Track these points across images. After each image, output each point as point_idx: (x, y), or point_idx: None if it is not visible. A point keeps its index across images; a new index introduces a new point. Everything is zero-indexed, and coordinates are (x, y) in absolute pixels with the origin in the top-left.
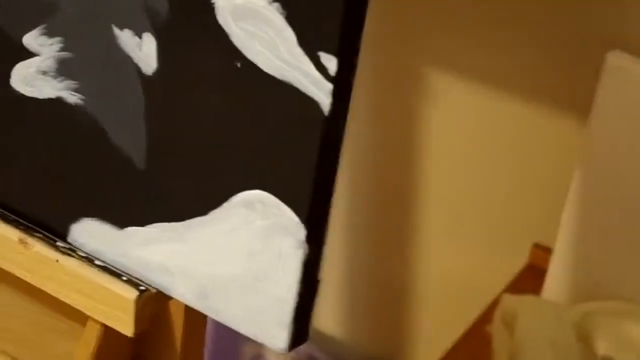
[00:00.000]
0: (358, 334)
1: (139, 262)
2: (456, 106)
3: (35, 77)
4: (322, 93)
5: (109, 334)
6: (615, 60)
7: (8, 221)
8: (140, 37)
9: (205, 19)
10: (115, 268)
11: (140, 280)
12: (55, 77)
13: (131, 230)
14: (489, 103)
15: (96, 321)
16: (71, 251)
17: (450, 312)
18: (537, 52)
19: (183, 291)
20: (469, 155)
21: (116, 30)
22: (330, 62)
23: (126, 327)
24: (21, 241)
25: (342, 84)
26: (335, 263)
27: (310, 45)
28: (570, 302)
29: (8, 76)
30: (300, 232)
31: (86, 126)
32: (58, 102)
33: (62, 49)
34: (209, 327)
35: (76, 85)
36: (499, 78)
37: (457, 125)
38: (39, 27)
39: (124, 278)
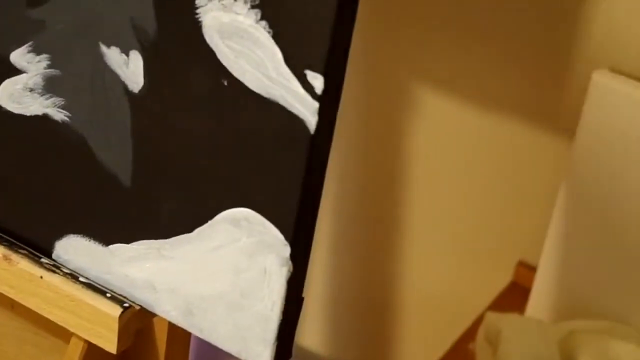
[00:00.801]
0: (342, 351)
1: (123, 279)
2: (443, 123)
3: (22, 94)
4: (308, 111)
5: (92, 350)
6: (602, 78)
7: None
8: (127, 54)
9: (192, 37)
10: (100, 285)
11: (125, 297)
12: (42, 94)
13: (116, 247)
14: (476, 120)
15: (80, 338)
16: (56, 268)
17: (433, 330)
18: (525, 70)
19: (168, 308)
20: (454, 172)
21: (103, 48)
22: (317, 81)
23: (110, 344)
24: (5, 257)
25: (328, 102)
26: (320, 280)
27: (296, 64)
28: (554, 320)
29: None
30: (285, 249)
31: (72, 143)
32: (45, 119)
33: (49, 66)
34: (192, 343)
35: (63, 103)
36: (487, 95)
37: (444, 141)
38: (27, 45)
39: (108, 295)
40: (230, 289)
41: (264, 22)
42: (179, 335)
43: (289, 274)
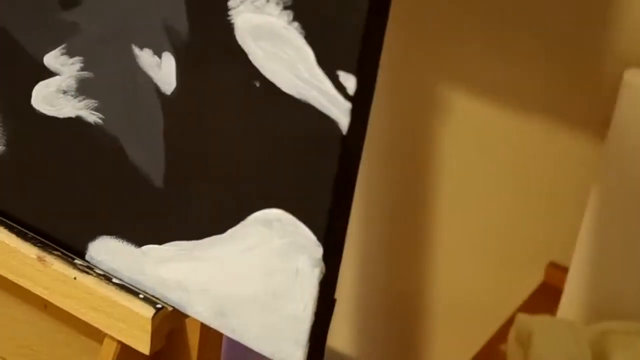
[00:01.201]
0: (371, 352)
1: (156, 280)
2: (472, 123)
3: (56, 97)
4: (340, 112)
5: (125, 351)
6: (633, 77)
7: (26, 239)
8: (159, 56)
9: (225, 39)
10: (133, 286)
11: (157, 298)
12: (75, 97)
13: (149, 248)
14: (506, 121)
15: (113, 338)
16: (89, 269)
17: (464, 331)
18: (555, 70)
19: (200, 309)
20: (484, 172)
21: (136, 50)
22: (349, 81)
23: (143, 345)
24: (39, 258)
25: (361, 103)
26: (349, 280)
27: (329, 65)
28: (586, 321)
29: (29, 95)
30: (317, 250)
31: (105, 145)
32: (77, 121)
33: (82, 69)
34: (223, 343)
35: (96, 105)
36: (516, 96)
37: (473, 141)
38: (60, 47)
39: (141, 296)
40: (262, 290)
41: (296, 24)
42: (211, 336)
43: (322, 274)
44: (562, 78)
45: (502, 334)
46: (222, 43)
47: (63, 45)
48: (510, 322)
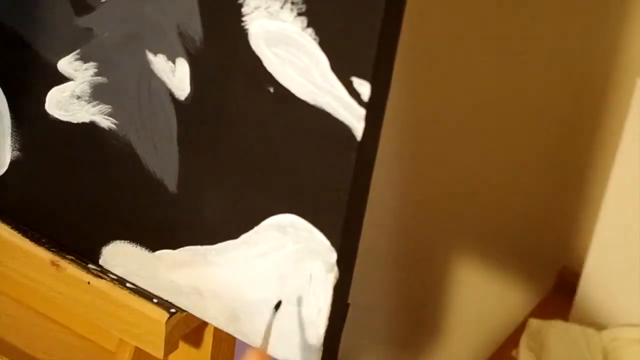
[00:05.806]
0: (380, 358)
1: (169, 284)
2: (486, 130)
3: (70, 102)
4: (354, 118)
5: (139, 355)
6: None
7: (40, 243)
8: (173, 62)
9: (239, 45)
10: (146, 290)
11: (171, 303)
12: (89, 102)
13: (162, 253)
14: (517, 126)
15: (127, 343)
16: (102, 273)
17: (475, 336)
18: (570, 75)
19: (213, 314)
20: (498, 176)
21: (150, 55)
22: (363, 87)
23: (157, 349)
24: (53, 263)
25: (375, 109)
26: (360, 284)
27: (343, 71)
28: (599, 327)
29: (43, 101)
30: (332, 255)
31: (119, 150)
32: (91, 126)
33: (96, 74)
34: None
35: (110, 110)
36: (528, 101)
37: (487, 147)
38: (74, 52)
39: (155, 300)
40: (276, 295)
41: (310, 30)
42: (224, 340)
43: (335, 280)
44: (576, 84)
45: (513, 340)
46: (236, 49)
47: (77, 51)
48: (522, 327)
